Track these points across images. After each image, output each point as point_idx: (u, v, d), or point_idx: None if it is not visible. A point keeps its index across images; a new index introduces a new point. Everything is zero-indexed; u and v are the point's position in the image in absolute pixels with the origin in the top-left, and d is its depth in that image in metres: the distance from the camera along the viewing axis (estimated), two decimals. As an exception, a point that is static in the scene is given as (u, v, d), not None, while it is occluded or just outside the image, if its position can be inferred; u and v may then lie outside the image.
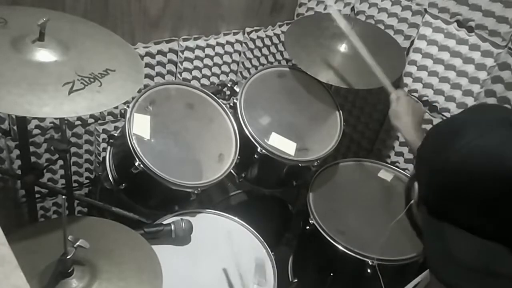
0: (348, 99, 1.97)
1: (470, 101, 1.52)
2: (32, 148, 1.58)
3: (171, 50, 1.73)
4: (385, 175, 1.67)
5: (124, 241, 1.15)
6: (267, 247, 1.39)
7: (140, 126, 1.34)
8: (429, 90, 1.64)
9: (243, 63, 1.99)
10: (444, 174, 0.66)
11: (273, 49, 2.02)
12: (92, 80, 1.03)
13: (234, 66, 1.97)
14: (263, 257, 1.36)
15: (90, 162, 1.83)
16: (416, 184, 0.72)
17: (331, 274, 1.52)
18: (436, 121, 1.63)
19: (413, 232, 0.79)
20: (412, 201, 0.74)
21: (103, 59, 1.12)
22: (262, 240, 1.40)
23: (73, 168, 1.79)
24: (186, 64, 1.81)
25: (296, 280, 1.64)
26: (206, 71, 1.89)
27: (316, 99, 1.64)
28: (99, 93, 1.02)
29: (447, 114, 1.59)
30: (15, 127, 1.51)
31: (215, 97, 1.51)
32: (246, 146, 1.46)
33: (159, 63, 1.73)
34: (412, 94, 1.69)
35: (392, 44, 1.69)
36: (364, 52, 1.42)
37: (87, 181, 1.87)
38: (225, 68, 1.94)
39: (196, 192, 1.35)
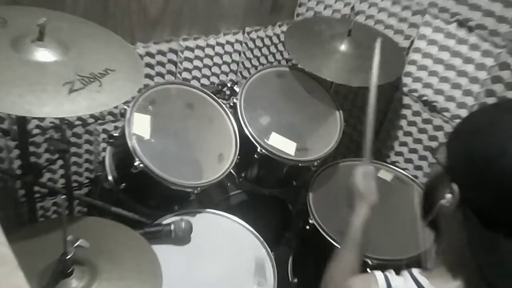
0: (348, 98, 1.97)
1: (470, 101, 1.52)
2: (32, 148, 1.58)
3: (171, 50, 1.73)
4: (385, 175, 1.66)
5: (124, 241, 1.15)
6: (267, 247, 1.38)
7: (140, 126, 1.34)
8: (429, 90, 1.64)
9: (243, 63, 1.99)
10: (505, 185, 0.61)
11: (273, 49, 2.02)
12: (92, 80, 1.03)
13: (234, 66, 1.97)
14: (263, 257, 1.36)
15: (90, 162, 1.83)
16: (455, 187, 0.68)
17: (331, 274, 1.52)
18: (436, 121, 1.63)
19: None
20: (442, 202, 0.70)
21: (103, 59, 1.12)
22: (262, 240, 1.40)
23: (73, 168, 1.79)
24: (186, 64, 1.81)
25: (296, 280, 1.64)
26: (206, 71, 1.89)
27: (316, 99, 1.64)
28: (99, 93, 1.02)
29: (447, 114, 1.59)
30: (15, 127, 1.50)
31: (215, 97, 1.51)
32: (246, 146, 1.46)
33: (159, 63, 1.73)
34: (412, 94, 1.69)
35: (392, 44, 1.69)
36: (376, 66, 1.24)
37: (87, 181, 1.87)
38: (225, 68, 1.94)
39: (196, 192, 1.35)
